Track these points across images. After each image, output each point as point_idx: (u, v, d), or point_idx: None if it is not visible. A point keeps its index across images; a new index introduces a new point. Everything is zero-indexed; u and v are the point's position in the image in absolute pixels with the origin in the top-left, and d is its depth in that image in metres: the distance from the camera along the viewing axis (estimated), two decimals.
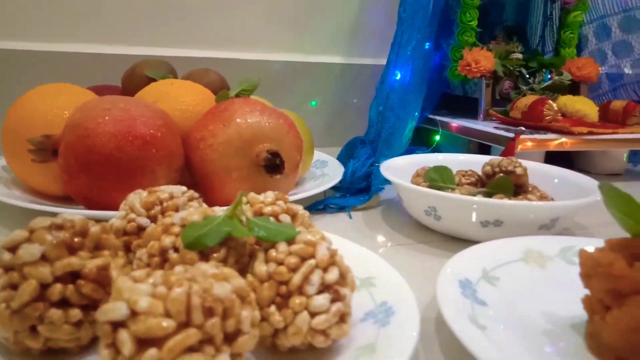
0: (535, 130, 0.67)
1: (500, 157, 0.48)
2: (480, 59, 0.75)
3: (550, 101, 0.67)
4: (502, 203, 0.39)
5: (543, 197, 0.45)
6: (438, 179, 0.45)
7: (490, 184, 0.44)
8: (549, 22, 0.88)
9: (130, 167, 0.40)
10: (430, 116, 0.81)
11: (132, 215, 0.30)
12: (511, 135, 0.63)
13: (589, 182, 0.47)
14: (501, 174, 0.46)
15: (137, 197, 0.31)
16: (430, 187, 0.46)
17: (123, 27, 0.75)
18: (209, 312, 0.19)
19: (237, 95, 0.48)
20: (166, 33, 0.77)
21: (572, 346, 0.27)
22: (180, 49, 0.78)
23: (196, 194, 0.33)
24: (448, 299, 0.28)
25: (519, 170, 0.46)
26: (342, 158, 0.61)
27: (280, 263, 0.24)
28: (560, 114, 0.68)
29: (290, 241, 0.25)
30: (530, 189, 0.47)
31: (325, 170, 0.60)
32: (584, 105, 0.71)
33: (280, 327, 0.23)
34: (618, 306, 0.24)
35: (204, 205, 0.33)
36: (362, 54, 0.88)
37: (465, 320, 0.26)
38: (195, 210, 0.27)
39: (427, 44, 0.76)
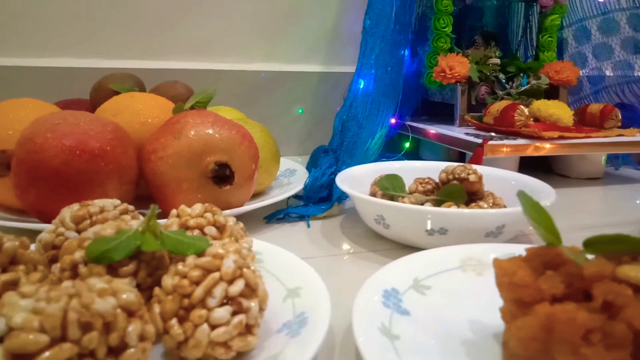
0: (506, 135, 0.67)
1: (455, 164, 0.48)
2: (455, 65, 0.75)
3: (522, 106, 0.67)
4: (445, 211, 0.39)
5: (496, 204, 0.45)
6: (389, 187, 0.45)
7: (440, 191, 0.44)
8: (528, 27, 0.88)
9: (78, 180, 0.41)
10: (409, 123, 0.81)
11: (62, 229, 0.31)
12: (479, 141, 0.62)
13: (545, 188, 0.47)
14: (455, 181, 0.46)
15: (68, 211, 0.32)
16: (383, 195, 0.47)
17: (96, 40, 0.76)
18: (86, 327, 0.19)
19: (192, 107, 0.49)
20: (141, 45, 0.78)
21: (488, 356, 0.27)
22: (157, 60, 0.79)
23: (131, 207, 0.34)
24: (362, 308, 0.28)
25: (472, 178, 0.46)
26: (309, 167, 0.61)
27: (184, 276, 0.25)
28: (532, 119, 0.68)
29: (200, 254, 0.26)
30: (485, 195, 0.47)
31: (292, 179, 0.60)
32: (557, 110, 0.70)
33: (181, 340, 0.24)
34: (522, 315, 0.24)
35: (141, 218, 0.34)
36: (341, 62, 0.88)
37: (373, 330, 0.26)
38: (109, 225, 0.27)
39: (404, 51, 0.76)
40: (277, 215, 0.51)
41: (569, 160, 0.74)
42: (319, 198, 0.53)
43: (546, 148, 0.64)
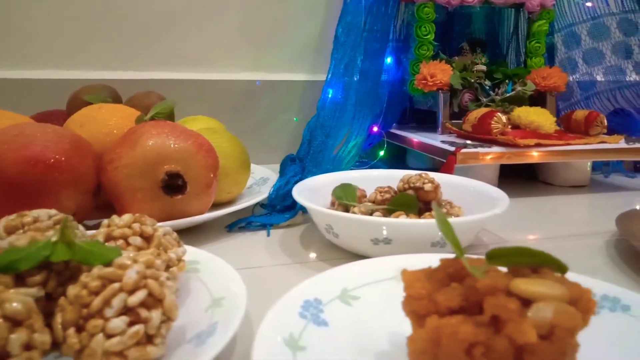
0: (484, 143, 0.66)
1: (412, 173, 0.47)
2: (437, 73, 0.75)
3: (500, 113, 0.66)
4: (386, 221, 0.39)
5: (450, 214, 0.44)
6: (343, 196, 0.45)
7: (392, 201, 0.44)
8: (516, 33, 0.87)
9: (33, 191, 0.42)
10: (393, 131, 0.81)
11: None
12: (452, 149, 0.62)
13: (500, 195, 0.46)
14: (409, 191, 0.46)
15: (4, 221, 0.33)
16: (339, 204, 0.47)
17: (84, 51, 0.78)
18: None
19: (152, 118, 0.50)
20: (128, 56, 0.80)
21: None
22: (144, 71, 0.81)
23: (70, 217, 0.35)
24: (274, 318, 0.28)
25: (427, 187, 0.45)
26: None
27: (85, 286, 0.25)
28: (510, 126, 0.67)
29: (107, 264, 0.26)
30: (442, 205, 0.47)
31: (263, 189, 0.61)
32: (538, 117, 0.69)
33: (77, 349, 0.24)
34: (417, 328, 0.24)
35: (81, 228, 0.35)
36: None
37: (276, 341, 0.26)
38: (23, 235, 0.28)
39: (384, 60, 0.76)
40: (239, 223, 0.51)
41: (552, 168, 0.73)
42: (284, 207, 0.53)
43: (523, 156, 0.63)
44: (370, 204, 0.45)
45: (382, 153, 0.71)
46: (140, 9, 0.79)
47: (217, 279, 0.34)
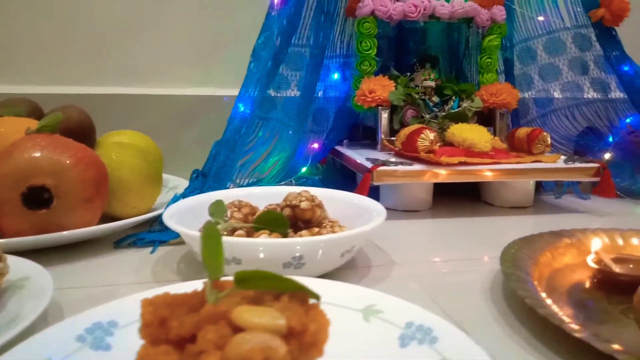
0: (412, 160, 0.64)
1: (296, 190, 0.46)
2: (376, 88, 0.73)
3: (427, 130, 0.64)
4: (232, 240, 0.37)
5: (314, 233, 0.42)
6: (213, 212, 0.44)
7: (257, 218, 0.42)
8: (468, 48, 0.85)
9: None
10: (337, 147, 0.79)
11: None
12: (370, 166, 0.60)
13: (379, 210, 0.45)
14: (287, 209, 0.44)
15: None
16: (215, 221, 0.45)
17: (29, 67, 0.79)
18: None
19: (38, 131, 0.49)
20: (73, 71, 0.81)
21: None
22: (89, 86, 0.81)
23: None
24: (36, 339, 0.26)
25: (303, 205, 0.43)
26: None
27: None
28: (438, 144, 0.65)
29: None
30: (322, 224, 0.45)
31: None
32: (471, 134, 0.66)
33: None
34: None
35: None
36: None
37: None
38: None
39: (337, 73, 0.75)
40: (127, 240, 0.50)
41: (493, 188, 0.70)
42: None
43: (443, 175, 0.60)
44: (237, 221, 0.43)
45: (303, 170, 0.69)
46: (83, 21, 0.80)
47: (31, 296, 0.33)
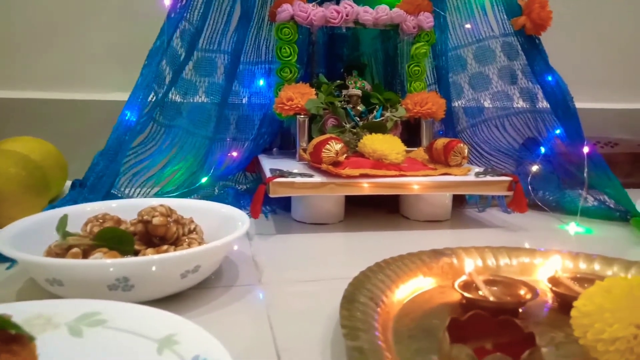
0: (315, 172, 0.61)
1: (155, 204, 0.43)
2: (295, 96, 0.71)
3: (333, 141, 0.61)
4: (49, 262, 0.35)
5: (163, 250, 0.40)
6: (60, 227, 0.41)
7: (97, 235, 0.40)
8: (396, 55, 0.82)
9: None
10: (259, 155, 0.77)
11: None
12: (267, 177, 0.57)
13: (243, 219, 0.42)
14: (140, 224, 0.41)
15: None
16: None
17: None
18: None
19: None
20: None
21: None
22: (12, 90, 0.79)
23: None
24: None
25: (155, 220, 0.41)
26: None
27: None
28: (344, 155, 0.62)
29: None
30: (185, 239, 0.42)
31: None
32: (382, 145, 0.64)
33: None
34: None
35: None
36: None
37: None
38: None
39: (262, 80, 0.73)
40: None
41: (408, 201, 0.68)
42: None
43: (346, 187, 0.58)
44: (79, 238, 0.40)
45: (204, 180, 0.66)
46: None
47: None
